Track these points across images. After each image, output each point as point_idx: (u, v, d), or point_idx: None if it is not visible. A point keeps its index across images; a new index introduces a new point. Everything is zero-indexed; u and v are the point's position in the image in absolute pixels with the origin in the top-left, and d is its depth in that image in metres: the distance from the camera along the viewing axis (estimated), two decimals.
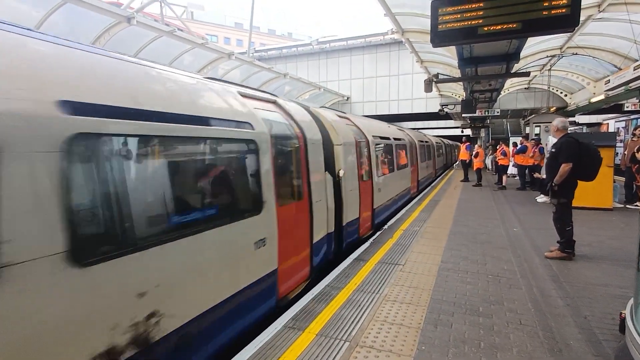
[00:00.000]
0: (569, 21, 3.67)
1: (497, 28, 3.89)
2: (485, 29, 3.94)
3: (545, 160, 11.66)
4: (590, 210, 8.02)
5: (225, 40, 56.17)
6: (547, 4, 3.70)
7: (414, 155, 11.94)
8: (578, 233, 5.10)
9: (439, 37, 4.18)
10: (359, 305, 3.55)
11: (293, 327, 3.12)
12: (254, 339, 2.96)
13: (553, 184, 4.75)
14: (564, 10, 3.63)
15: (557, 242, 5.04)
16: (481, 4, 3.96)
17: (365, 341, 2.90)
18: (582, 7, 4.38)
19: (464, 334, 3.01)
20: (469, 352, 2.76)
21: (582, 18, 7.99)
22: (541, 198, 9.73)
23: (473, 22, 3.96)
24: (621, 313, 2.97)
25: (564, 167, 4.63)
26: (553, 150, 4.90)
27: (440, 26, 4.09)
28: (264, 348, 2.80)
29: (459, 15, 4.02)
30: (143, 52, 10.37)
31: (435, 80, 9.23)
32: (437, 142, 20.83)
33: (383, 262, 4.85)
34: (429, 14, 7.22)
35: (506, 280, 4.21)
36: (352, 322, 3.22)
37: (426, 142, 15.59)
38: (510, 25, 3.83)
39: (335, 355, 2.70)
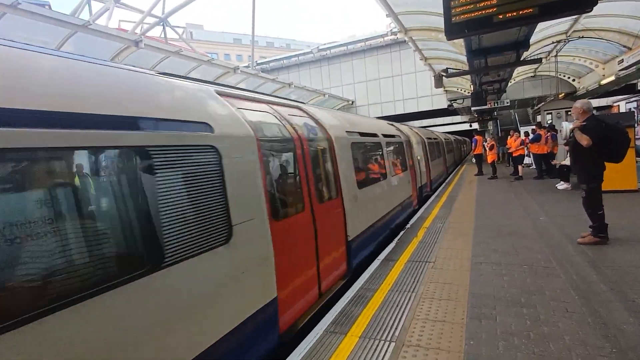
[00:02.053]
0: (586, 1, 3.61)
1: (512, 15, 3.84)
2: (500, 16, 3.89)
3: (558, 146, 11.51)
4: (615, 193, 7.83)
5: (225, 57, 57.00)
6: None
7: (443, 149, 16.67)
8: (609, 216, 4.95)
9: (453, 29, 4.12)
10: (397, 305, 3.49)
11: (334, 332, 3.08)
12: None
13: (572, 131, 4.63)
14: None
15: (590, 227, 4.91)
16: None
17: (410, 340, 2.84)
18: None
19: (511, 326, 2.93)
20: (520, 344, 2.68)
21: None
22: (561, 185, 9.55)
23: (487, 11, 3.91)
24: None
25: (587, 139, 4.51)
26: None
27: (454, 18, 4.04)
28: (309, 355, 2.76)
29: (472, 6, 3.98)
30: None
31: (444, 75, 9.20)
32: (454, 139, 26.63)
33: (413, 261, 4.78)
34: (433, 11, 7.22)
35: (542, 269, 4.11)
36: (394, 322, 3.17)
37: (447, 139, 20.80)
38: (526, 11, 3.78)
39: (384, 356, 2.66)
